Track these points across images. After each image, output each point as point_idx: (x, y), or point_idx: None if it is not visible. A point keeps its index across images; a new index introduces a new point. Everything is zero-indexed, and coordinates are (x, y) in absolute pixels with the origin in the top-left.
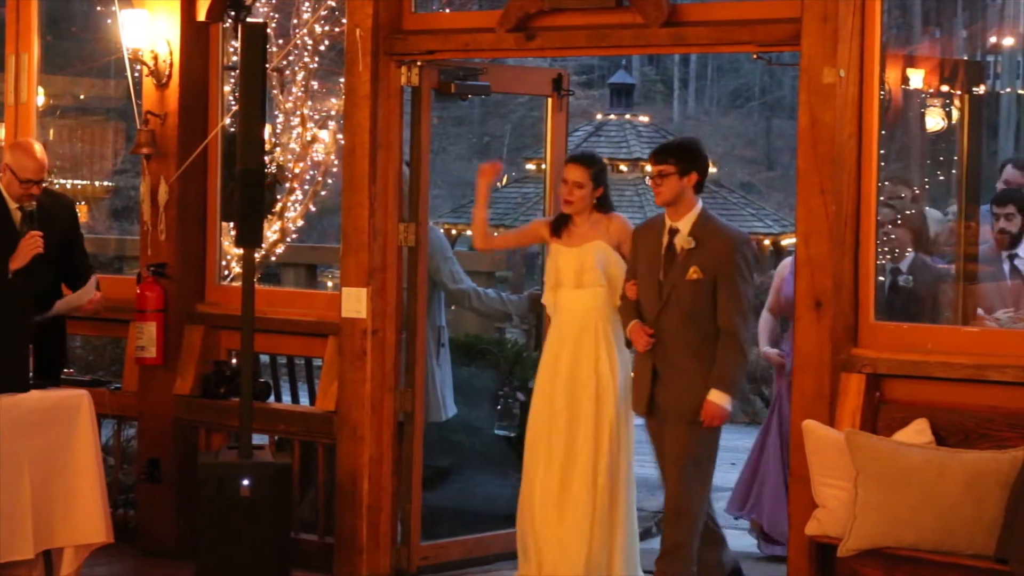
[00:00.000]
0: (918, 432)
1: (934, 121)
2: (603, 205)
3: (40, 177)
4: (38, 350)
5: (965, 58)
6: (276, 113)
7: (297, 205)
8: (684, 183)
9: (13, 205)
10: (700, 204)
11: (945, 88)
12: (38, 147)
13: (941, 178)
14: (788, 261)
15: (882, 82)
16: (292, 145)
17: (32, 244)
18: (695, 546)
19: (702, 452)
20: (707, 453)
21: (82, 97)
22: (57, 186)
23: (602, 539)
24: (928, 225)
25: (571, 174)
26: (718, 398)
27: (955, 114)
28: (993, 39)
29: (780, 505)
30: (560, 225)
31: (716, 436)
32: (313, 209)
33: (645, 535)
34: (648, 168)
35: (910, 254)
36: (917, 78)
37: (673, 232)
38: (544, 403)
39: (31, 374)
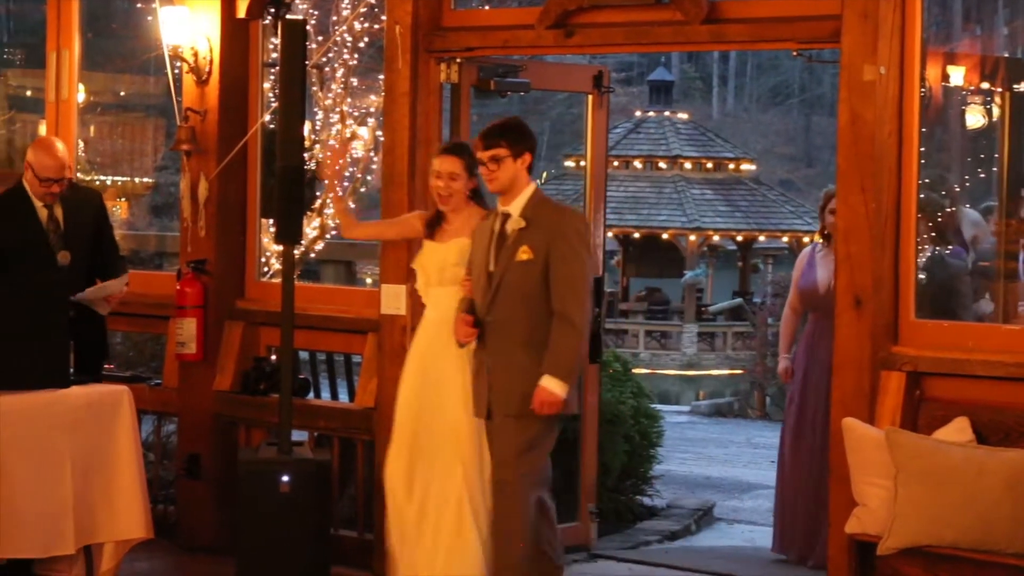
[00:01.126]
0: (959, 430)
1: (975, 118)
2: (478, 197)
3: (59, 176)
4: (79, 345)
5: (1006, 55)
6: (316, 110)
7: None
8: (518, 165)
9: (39, 203)
10: (534, 185)
11: (986, 85)
12: (60, 145)
13: (982, 176)
14: (806, 251)
15: (922, 79)
16: (332, 142)
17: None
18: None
19: (533, 447)
20: (539, 448)
21: (122, 94)
22: (97, 182)
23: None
24: (963, 224)
25: (444, 165)
26: (551, 384)
27: (996, 111)
28: None
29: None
30: (435, 224)
31: (550, 430)
32: (353, 206)
33: (684, 532)
34: (488, 154)
35: (927, 250)
36: (957, 75)
37: (505, 217)
38: (405, 407)
39: (72, 370)
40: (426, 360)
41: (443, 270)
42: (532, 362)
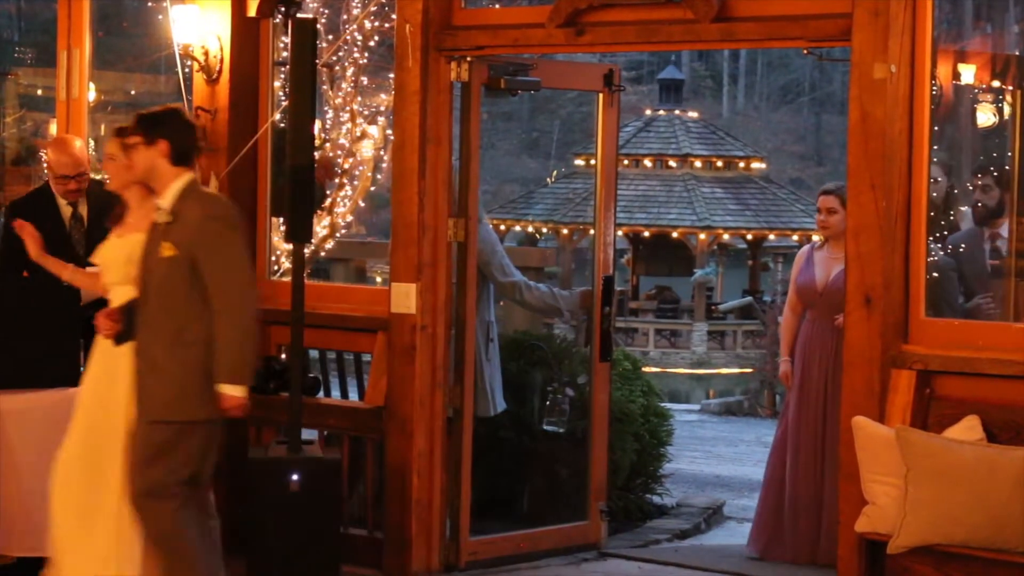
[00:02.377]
0: (969, 429)
1: (985, 117)
2: None
3: (74, 172)
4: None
5: (1017, 54)
6: (326, 108)
7: (346, 200)
8: (153, 153)
9: (63, 202)
10: (188, 176)
11: (996, 84)
12: (76, 143)
13: (994, 174)
14: (804, 250)
15: (933, 77)
16: (342, 140)
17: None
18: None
19: (159, 457)
20: (167, 460)
21: (133, 93)
22: (107, 182)
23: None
24: (963, 224)
25: (107, 147)
26: (226, 390)
27: (1007, 110)
28: None
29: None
30: (121, 217)
31: (182, 439)
32: (363, 205)
33: (694, 531)
34: (126, 142)
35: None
36: (968, 74)
37: (159, 209)
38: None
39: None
40: (109, 364)
41: (116, 267)
42: (176, 364)
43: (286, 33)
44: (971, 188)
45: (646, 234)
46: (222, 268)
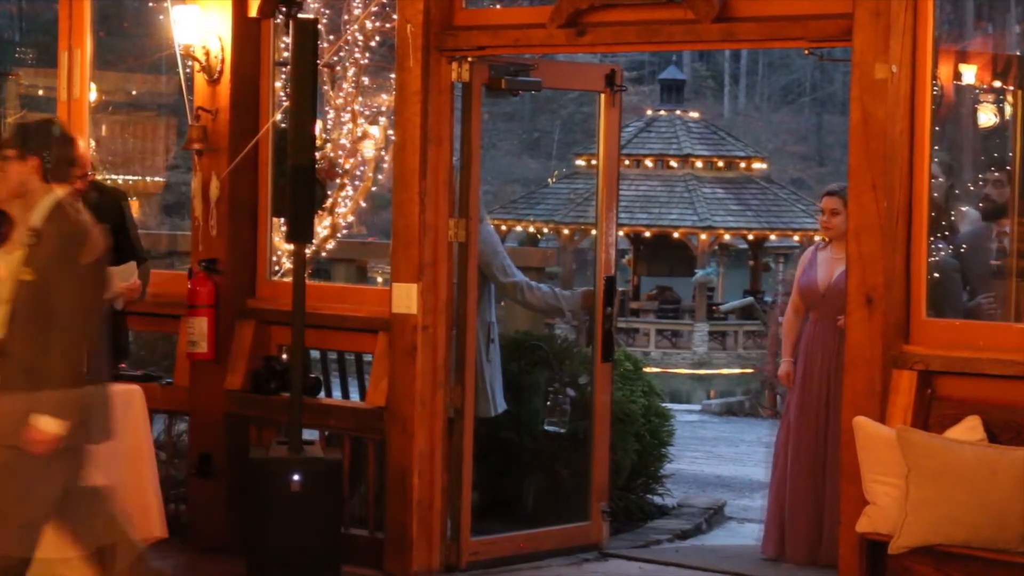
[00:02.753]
0: (970, 429)
1: (986, 117)
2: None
3: (80, 172)
4: None
5: (1018, 54)
6: (327, 109)
7: (348, 201)
8: (25, 168)
9: None
10: (57, 194)
11: (998, 84)
12: (81, 143)
13: (996, 174)
14: (808, 251)
15: (934, 77)
16: (343, 141)
17: None
18: None
19: (15, 487)
20: (20, 490)
21: (134, 93)
22: (108, 181)
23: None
24: (964, 224)
25: None
26: (42, 423)
27: (1008, 110)
28: None
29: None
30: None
31: (38, 471)
32: (364, 205)
33: (695, 531)
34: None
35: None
36: (969, 74)
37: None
38: None
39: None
40: None
41: (2, 285)
42: (30, 388)
43: (287, 33)
44: (982, 183)
45: (647, 234)
46: (61, 298)
